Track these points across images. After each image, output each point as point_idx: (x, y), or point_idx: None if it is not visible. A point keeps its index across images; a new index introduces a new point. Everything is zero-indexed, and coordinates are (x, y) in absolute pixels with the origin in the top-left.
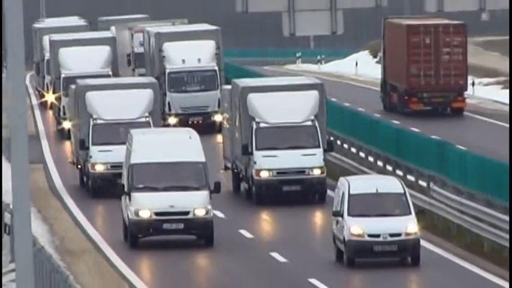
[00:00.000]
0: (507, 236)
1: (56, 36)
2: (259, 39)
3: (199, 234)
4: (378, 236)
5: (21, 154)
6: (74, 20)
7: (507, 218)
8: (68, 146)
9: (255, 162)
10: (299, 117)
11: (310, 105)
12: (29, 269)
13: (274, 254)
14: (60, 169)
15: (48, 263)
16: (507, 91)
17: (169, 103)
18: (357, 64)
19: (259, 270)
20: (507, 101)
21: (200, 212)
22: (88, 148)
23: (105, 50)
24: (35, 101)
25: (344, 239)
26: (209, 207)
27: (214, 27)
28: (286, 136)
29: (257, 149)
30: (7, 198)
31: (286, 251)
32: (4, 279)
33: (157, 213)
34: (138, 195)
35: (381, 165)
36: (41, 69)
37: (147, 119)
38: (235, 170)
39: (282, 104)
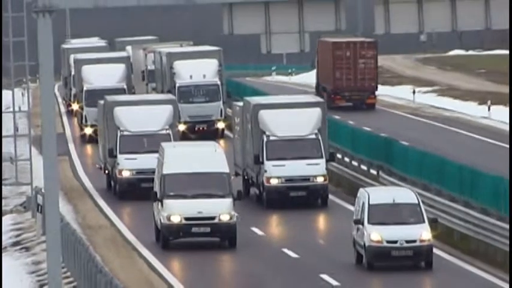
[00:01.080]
0: (438, 213)
1: (80, 56)
2: (241, 56)
3: (223, 237)
4: (395, 242)
5: (50, 148)
6: (95, 41)
7: (440, 199)
8: (87, 144)
9: (265, 171)
10: (304, 131)
11: (313, 120)
12: (57, 241)
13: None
14: (82, 161)
15: (72, 236)
16: (442, 98)
17: (178, 112)
18: None
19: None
20: (442, 106)
21: (225, 217)
22: (116, 156)
23: (120, 68)
24: (63, 109)
25: (364, 245)
26: (233, 212)
27: (216, 48)
28: (293, 148)
29: (267, 159)
30: (40, 183)
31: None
32: (37, 249)
33: (186, 218)
34: (170, 202)
35: (340, 157)
36: (68, 83)
37: (168, 131)
38: (246, 177)
39: (289, 119)
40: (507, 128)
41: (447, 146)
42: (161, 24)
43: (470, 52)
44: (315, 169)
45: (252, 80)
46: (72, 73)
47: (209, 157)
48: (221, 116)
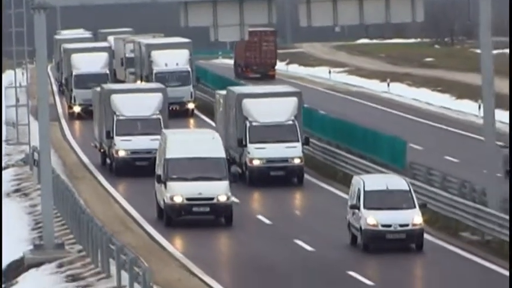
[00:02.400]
0: (349, 167)
1: (69, 45)
2: (195, 43)
3: (221, 215)
4: (390, 226)
5: (44, 116)
6: (81, 32)
7: (351, 156)
8: (76, 119)
9: (248, 153)
10: (282, 118)
11: (291, 108)
12: (49, 188)
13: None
14: (70, 126)
15: (62, 184)
16: (351, 76)
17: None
18: None
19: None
20: (351, 83)
21: (222, 198)
22: (112, 138)
23: (104, 56)
24: (55, 88)
25: (361, 228)
26: (229, 194)
27: (188, 40)
28: (273, 132)
29: (250, 142)
30: (36, 143)
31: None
32: (34, 195)
33: (188, 199)
34: (173, 184)
35: None
36: (60, 67)
37: (158, 115)
38: (228, 157)
39: (269, 107)
40: (403, 100)
41: (356, 114)
42: (136, 18)
43: (374, 41)
44: (292, 151)
45: (203, 62)
46: (62, 59)
47: (208, 143)
48: (191, 98)
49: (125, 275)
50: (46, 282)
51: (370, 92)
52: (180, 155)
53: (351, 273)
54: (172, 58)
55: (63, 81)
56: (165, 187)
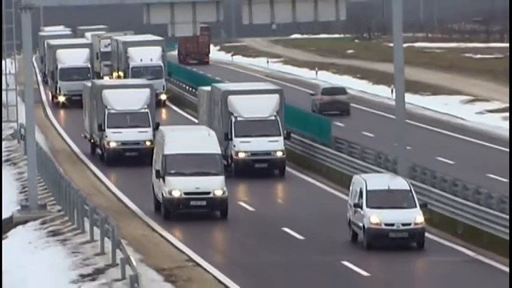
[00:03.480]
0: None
1: (54, 41)
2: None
3: (217, 209)
4: (393, 225)
5: (29, 97)
6: (62, 29)
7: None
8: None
9: (234, 146)
10: (265, 113)
11: (273, 104)
12: (34, 158)
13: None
14: (51, 108)
15: (44, 156)
16: (286, 66)
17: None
18: None
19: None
20: (286, 71)
21: (218, 192)
22: (104, 130)
23: (86, 51)
24: (39, 78)
25: (364, 227)
26: (225, 188)
27: (161, 38)
28: (257, 127)
29: (236, 136)
30: (23, 121)
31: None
32: (21, 164)
33: (186, 193)
34: (171, 179)
35: None
36: (43, 61)
37: (146, 110)
38: None
39: (253, 103)
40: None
41: (289, 98)
42: (108, 16)
43: (305, 36)
44: (275, 145)
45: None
46: (47, 54)
47: (204, 140)
48: (163, 90)
49: (96, 231)
50: (31, 237)
51: (301, 79)
52: (178, 151)
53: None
54: (146, 54)
55: (49, 74)
56: (164, 182)
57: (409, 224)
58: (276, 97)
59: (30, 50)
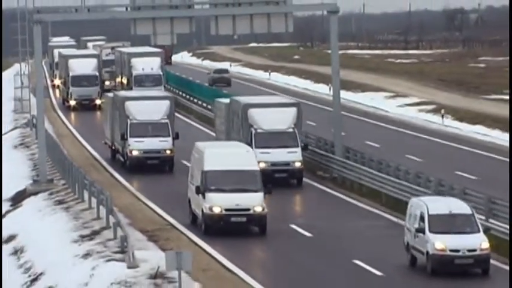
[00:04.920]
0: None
1: (66, 51)
2: (139, 45)
3: (256, 225)
4: (458, 251)
5: (40, 93)
6: (67, 40)
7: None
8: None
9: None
10: (284, 126)
11: (291, 117)
12: (43, 142)
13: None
14: (58, 102)
15: (52, 140)
16: (245, 68)
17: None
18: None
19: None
20: (245, 73)
21: (258, 209)
22: (127, 139)
23: (94, 61)
24: (49, 82)
25: (427, 253)
26: (264, 205)
27: (160, 50)
28: (276, 138)
29: (256, 147)
30: (34, 112)
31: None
32: (33, 147)
33: (226, 209)
34: (211, 195)
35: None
36: (51, 67)
37: (166, 120)
38: None
39: (272, 116)
40: (279, 84)
41: (248, 94)
42: (103, 28)
43: (260, 44)
44: (293, 156)
45: None
46: (55, 61)
47: (242, 157)
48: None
49: (93, 200)
50: (41, 205)
51: (257, 79)
52: (218, 168)
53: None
54: (148, 64)
55: (61, 80)
56: (204, 198)
57: (475, 250)
58: (294, 110)
59: (40, 56)
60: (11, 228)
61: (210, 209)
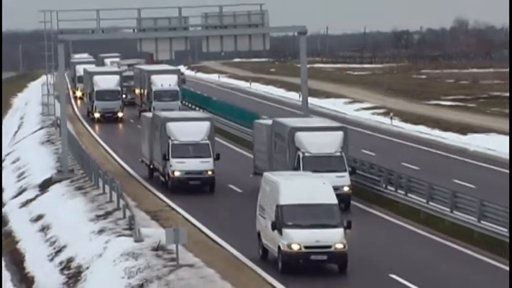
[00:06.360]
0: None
1: (91, 68)
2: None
3: (337, 263)
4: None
5: (62, 99)
6: (87, 56)
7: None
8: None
9: None
10: (331, 149)
11: (338, 141)
12: (65, 139)
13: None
14: (77, 107)
15: (72, 137)
16: (230, 79)
17: (154, 107)
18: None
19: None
20: (231, 82)
21: (339, 246)
22: (168, 159)
23: (116, 77)
24: (71, 93)
25: None
26: (345, 241)
27: (177, 68)
28: (324, 163)
29: (304, 171)
30: (58, 115)
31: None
32: (58, 143)
33: (306, 247)
34: (289, 232)
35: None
36: (74, 80)
37: (207, 141)
38: None
39: (320, 139)
40: (258, 92)
41: (233, 99)
42: (115, 45)
43: (243, 59)
44: (342, 180)
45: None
46: (77, 75)
47: (319, 189)
48: (179, 109)
49: (107, 187)
50: (64, 191)
51: (241, 87)
52: (295, 202)
53: None
54: (166, 81)
55: (87, 95)
56: (281, 234)
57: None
58: (341, 134)
59: (63, 69)
60: (40, 210)
61: (289, 246)
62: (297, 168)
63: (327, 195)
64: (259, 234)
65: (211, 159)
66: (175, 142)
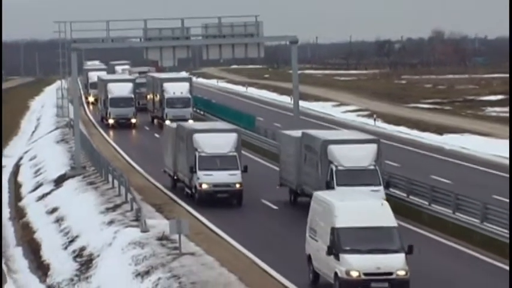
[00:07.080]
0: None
1: (105, 76)
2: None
3: None
4: None
5: (76, 103)
6: (98, 64)
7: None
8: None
9: None
10: (365, 163)
11: (372, 154)
12: (78, 139)
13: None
14: (89, 109)
15: (84, 137)
16: (228, 84)
17: (166, 114)
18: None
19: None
20: (229, 87)
21: (401, 273)
22: (195, 172)
23: (129, 85)
24: (83, 98)
25: None
26: (407, 268)
27: (189, 76)
28: (358, 176)
29: (338, 185)
30: (71, 116)
31: None
32: (71, 142)
33: (366, 274)
34: (347, 257)
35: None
36: (86, 87)
37: (234, 153)
38: (297, 190)
39: (353, 153)
40: (254, 95)
41: (231, 103)
42: (125, 53)
43: (240, 66)
44: (376, 194)
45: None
46: (90, 81)
47: (378, 211)
48: (190, 116)
49: (116, 182)
50: (76, 185)
51: (238, 92)
52: (352, 225)
53: None
54: (178, 88)
55: (101, 101)
56: (338, 259)
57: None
58: (374, 147)
59: (76, 75)
60: (54, 203)
61: (347, 273)
62: (329, 182)
63: (386, 217)
64: (309, 258)
65: (239, 172)
66: (203, 154)
